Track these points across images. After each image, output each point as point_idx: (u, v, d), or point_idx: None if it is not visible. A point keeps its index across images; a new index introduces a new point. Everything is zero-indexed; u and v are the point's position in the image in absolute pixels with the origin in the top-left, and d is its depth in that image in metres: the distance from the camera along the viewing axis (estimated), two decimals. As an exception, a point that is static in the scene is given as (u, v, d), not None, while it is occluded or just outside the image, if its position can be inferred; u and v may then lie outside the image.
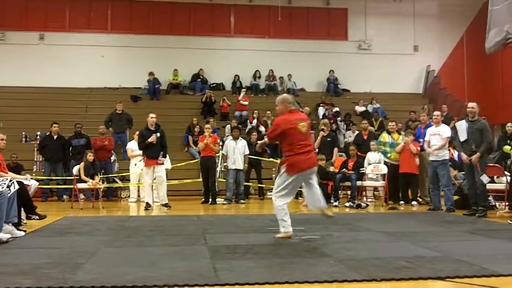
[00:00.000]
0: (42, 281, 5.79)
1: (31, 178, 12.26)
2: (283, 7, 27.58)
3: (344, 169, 16.67)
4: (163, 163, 15.68)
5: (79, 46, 27.06)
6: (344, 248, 7.98)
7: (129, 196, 18.84)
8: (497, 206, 14.91)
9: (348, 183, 16.56)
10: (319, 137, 17.74)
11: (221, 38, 28.38)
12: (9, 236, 8.83)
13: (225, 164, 18.03)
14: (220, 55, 27.89)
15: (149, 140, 15.26)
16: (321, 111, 25.49)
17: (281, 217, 8.96)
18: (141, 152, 17.89)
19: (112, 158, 19.56)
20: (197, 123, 22.35)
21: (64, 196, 18.45)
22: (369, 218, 13.44)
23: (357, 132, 20.84)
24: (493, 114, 22.72)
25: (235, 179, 17.43)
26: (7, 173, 10.94)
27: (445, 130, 14.28)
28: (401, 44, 29.22)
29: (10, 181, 9.23)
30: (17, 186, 9.43)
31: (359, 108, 26.51)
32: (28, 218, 11.17)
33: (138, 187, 18.49)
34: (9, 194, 8.98)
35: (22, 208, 10.61)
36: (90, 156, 16.47)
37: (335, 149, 17.87)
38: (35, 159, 20.30)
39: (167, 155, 16.46)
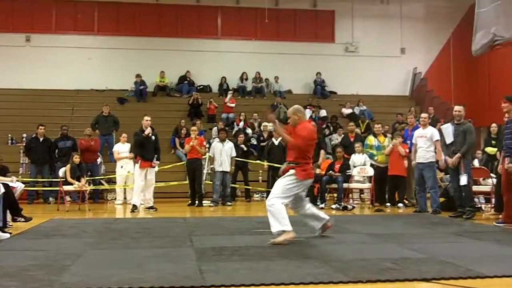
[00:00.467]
0: (28, 283, 5.77)
1: (17, 180, 12.25)
2: (270, 9, 27.60)
3: (330, 171, 16.70)
4: (155, 167, 15.72)
5: (65, 48, 26.98)
6: (330, 249, 8.00)
7: (115, 198, 18.79)
8: (483, 208, 15.00)
9: (334, 185, 16.60)
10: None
11: (208, 40, 28.36)
12: (-6, 238, 8.80)
13: (211, 166, 18.03)
14: (207, 57, 27.86)
15: (146, 132, 15.37)
16: (307, 113, 25.48)
17: (282, 215, 8.82)
18: (127, 154, 17.92)
19: (99, 160, 19.52)
20: (184, 125, 22.33)
21: (50, 198, 18.39)
22: (355, 220, 13.48)
23: (343, 134, 20.91)
24: (480, 116, 22.83)
25: (222, 181, 17.42)
26: (-8, 175, 10.91)
27: (432, 133, 14.32)
28: (388, 47, 29.28)
29: (-4, 183, 9.19)
30: (2, 189, 9.40)
31: (346, 110, 26.55)
32: (13, 220, 11.15)
33: (125, 189, 18.46)
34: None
35: (8, 210, 10.58)
36: (76, 158, 16.41)
37: (322, 151, 17.92)
38: (21, 161, 20.20)
39: (159, 159, 16.47)
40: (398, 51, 29.72)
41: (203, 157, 17.63)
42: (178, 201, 18.50)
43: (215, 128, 22.59)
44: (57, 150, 18.61)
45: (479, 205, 14.93)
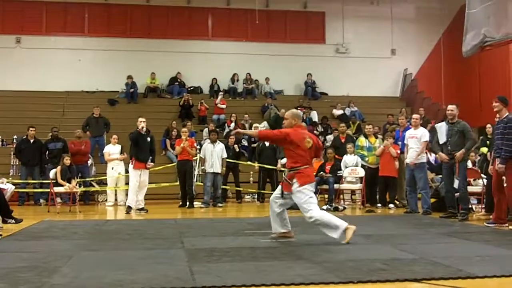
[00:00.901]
0: (19, 285, 5.76)
1: (8, 182, 12.22)
2: (260, 10, 27.57)
3: (321, 172, 16.72)
4: (149, 168, 15.71)
5: (56, 50, 26.93)
6: (321, 250, 8.00)
7: (106, 200, 18.75)
8: (474, 209, 15.04)
9: (325, 186, 16.63)
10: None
11: (198, 42, 28.34)
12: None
13: (202, 167, 18.02)
14: (197, 58, 27.83)
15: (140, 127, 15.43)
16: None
17: (330, 219, 8.78)
18: (118, 156, 17.89)
19: (89, 162, 19.48)
20: (175, 126, 22.31)
21: (41, 200, 18.36)
22: (347, 221, 13.44)
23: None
24: (470, 117, 22.79)
25: (213, 183, 17.41)
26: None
27: (423, 134, 14.36)
28: (379, 48, 29.31)
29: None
30: (-7, 191, 9.38)
31: (337, 112, 26.59)
32: (4, 222, 11.09)
33: (115, 190, 18.43)
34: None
35: (-2, 212, 10.56)
36: (67, 160, 16.37)
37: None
38: (12, 163, 20.18)
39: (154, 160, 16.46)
40: (388, 52, 29.76)
41: (194, 158, 17.63)
42: (169, 202, 18.49)
43: (206, 130, 22.58)
44: (47, 152, 18.57)
45: (470, 206, 14.97)
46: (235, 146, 19.21)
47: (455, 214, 12.79)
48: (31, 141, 18.64)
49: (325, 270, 6.43)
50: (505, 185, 10.98)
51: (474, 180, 15.08)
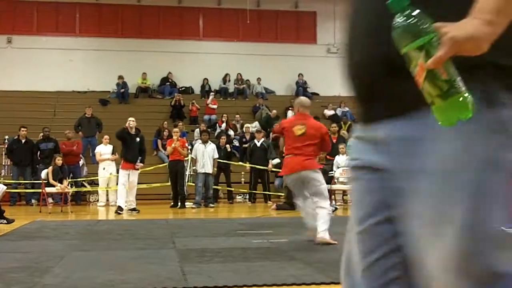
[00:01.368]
0: (11, 285, 5.77)
1: (-1, 182, 12.20)
2: (251, 10, 27.60)
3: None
4: (138, 169, 15.67)
5: (47, 50, 26.87)
6: (313, 251, 8.04)
7: (98, 200, 18.74)
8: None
9: (317, 186, 16.61)
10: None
11: (190, 42, 28.32)
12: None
13: (194, 168, 18.03)
14: (189, 58, 27.81)
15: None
16: (290, 114, 25.51)
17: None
18: (110, 156, 17.87)
19: (81, 162, 19.46)
20: (166, 126, 22.31)
21: (33, 200, 18.33)
22: (338, 221, 13.43)
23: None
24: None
25: (204, 183, 17.41)
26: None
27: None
28: (370, 48, 29.33)
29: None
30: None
31: (328, 112, 26.61)
32: (-5, 222, 11.11)
33: (107, 191, 18.42)
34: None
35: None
36: (58, 160, 16.38)
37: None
38: (3, 163, 20.13)
39: (144, 161, 16.43)
40: (380, 52, 29.79)
41: (185, 158, 17.64)
42: (161, 202, 18.48)
43: (197, 130, 22.56)
44: (39, 152, 18.55)
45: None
46: (227, 146, 19.22)
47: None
48: (23, 141, 18.62)
49: (317, 271, 6.46)
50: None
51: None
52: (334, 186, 17.07)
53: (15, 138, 18.96)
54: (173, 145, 16.88)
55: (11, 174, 18.84)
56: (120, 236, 9.86)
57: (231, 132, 23.18)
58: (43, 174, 16.22)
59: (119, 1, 27.85)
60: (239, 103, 27.29)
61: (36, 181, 17.69)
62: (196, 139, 20.64)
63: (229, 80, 28.03)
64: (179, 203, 16.95)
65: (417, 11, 1.46)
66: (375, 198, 1.79)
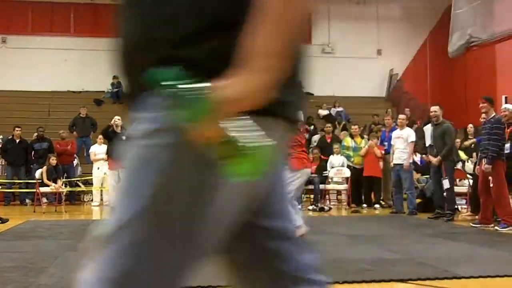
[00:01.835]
0: (5, 284, 5.74)
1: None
2: (246, 10, 27.57)
3: (308, 173, 16.73)
4: None
5: (42, 50, 26.80)
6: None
7: (92, 200, 18.70)
8: (459, 209, 15.10)
9: (311, 187, 16.63)
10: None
11: (185, 41, 28.27)
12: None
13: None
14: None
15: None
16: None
17: None
18: (104, 156, 17.80)
19: (75, 162, 19.43)
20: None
21: (27, 200, 18.29)
22: (332, 221, 13.53)
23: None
24: (456, 117, 22.87)
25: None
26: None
27: (409, 134, 14.39)
28: (365, 48, 29.33)
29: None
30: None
31: (323, 112, 26.61)
32: (-11, 222, 11.09)
33: (101, 190, 18.38)
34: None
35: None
36: (53, 160, 16.36)
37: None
38: (-3, 163, 20.13)
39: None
40: (374, 52, 29.81)
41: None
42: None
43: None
44: (33, 152, 18.52)
45: (456, 206, 15.03)
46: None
47: (443, 215, 12.83)
48: (17, 141, 18.58)
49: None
50: (491, 185, 11.03)
51: (460, 180, 15.16)
52: (328, 186, 17.07)
53: (9, 138, 18.93)
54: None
55: (5, 174, 18.81)
56: (114, 236, 9.81)
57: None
58: (37, 173, 16.19)
59: (114, 1, 27.74)
60: (234, 103, 27.25)
61: (30, 180, 17.65)
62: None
63: (224, 80, 27.98)
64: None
65: (184, 78, 1.39)
66: None
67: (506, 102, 15.77)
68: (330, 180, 17.11)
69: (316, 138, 22.09)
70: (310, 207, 15.97)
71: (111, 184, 15.36)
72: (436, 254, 7.77)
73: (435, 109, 13.06)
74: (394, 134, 14.88)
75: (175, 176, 1.51)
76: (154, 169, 1.52)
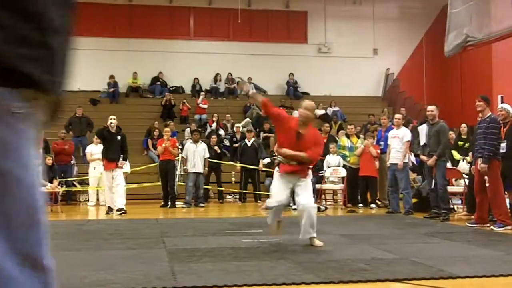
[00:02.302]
0: (-3, 286, 5.70)
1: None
2: (242, 10, 27.57)
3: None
4: (122, 167, 15.43)
5: (37, 49, 26.72)
6: (302, 250, 8.01)
7: (88, 200, 18.68)
8: (455, 209, 15.12)
9: (307, 186, 16.60)
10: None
11: (180, 41, 28.29)
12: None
13: (184, 167, 17.96)
14: (179, 58, 27.75)
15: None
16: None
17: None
18: (100, 156, 17.74)
19: (72, 162, 19.40)
20: (157, 126, 22.29)
21: (22, 200, 18.21)
22: (328, 221, 13.50)
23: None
24: (452, 117, 22.97)
25: (195, 183, 17.35)
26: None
27: (405, 134, 14.39)
28: (361, 47, 29.35)
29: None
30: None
31: (319, 111, 26.56)
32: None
33: (97, 190, 18.34)
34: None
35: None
36: (48, 160, 16.32)
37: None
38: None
39: (127, 159, 16.28)
40: (370, 52, 29.82)
41: (176, 158, 17.59)
42: (151, 202, 18.41)
43: (188, 129, 22.54)
44: (28, 152, 18.47)
45: (452, 206, 15.05)
46: (216, 148, 19.10)
47: (438, 214, 12.83)
48: (12, 141, 18.50)
49: (307, 270, 6.43)
50: (487, 185, 11.03)
51: (455, 180, 15.16)
52: (324, 186, 17.06)
53: (4, 138, 18.84)
54: (163, 144, 16.85)
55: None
56: (110, 236, 9.81)
57: (221, 132, 23.15)
58: (33, 173, 16.13)
59: (110, 1, 27.77)
60: (230, 103, 27.28)
61: (26, 180, 17.56)
62: (187, 139, 20.62)
63: (220, 80, 28.01)
64: (170, 203, 16.91)
65: None
66: None
67: (502, 102, 15.74)
68: (326, 179, 17.10)
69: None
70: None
71: (106, 186, 15.26)
72: (432, 253, 7.77)
73: (432, 108, 13.09)
74: (390, 133, 14.89)
75: None
76: None
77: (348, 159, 17.06)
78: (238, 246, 8.38)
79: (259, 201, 18.17)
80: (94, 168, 18.28)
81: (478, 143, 11.33)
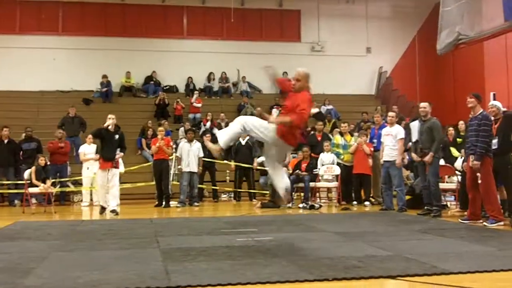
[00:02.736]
0: (-8, 286, 5.73)
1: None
2: (236, 8, 27.56)
3: (297, 170, 16.75)
4: (118, 164, 15.25)
5: (30, 49, 26.67)
6: (296, 248, 8.02)
7: (81, 200, 18.64)
8: (448, 205, 15.17)
9: (301, 184, 16.66)
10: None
11: (174, 40, 28.25)
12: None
13: (179, 166, 17.95)
14: (173, 57, 27.74)
15: (106, 124, 14.74)
16: (274, 113, 25.50)
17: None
18: (93, 156, 17.71)
19: (67, 161, 19.36)
20: (150, 125, 22.26)
21: (16, 201, 18.17)
22: (322, 218, 13.53)
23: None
24: (445, 114, 23.00)
25: (189, 182, 17.33)
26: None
27: (398, 131, 14.41)
28: (354, 46, 29.39)
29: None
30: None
31: (313, 110, 26.54)
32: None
33: (91, 191, 18.31)
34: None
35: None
36: (41, 160, 16.28)
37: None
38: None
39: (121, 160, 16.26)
40: (364, 50, 29.85)
41: (170, 157, 17.58)
42: (145, 202, 18.39)
43: (182, 129, 22.53)
44: (21, 152, 18.45)
45: (445, 203, 15.09)
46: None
47: (431, 211, 12.87)
48: (5, 141, 18.47)
49: (301, 268, 6.44)
50: (479, 181, 11.07)
51: (448, 177, 15.20)
52: (318, 184, 17.09)
53: (-3, 138, 18.83)
54: (157, 144, 16.83)
55: (-6, 175, 18.72)
56: (103, 236, 9.78)
57: (216, 131, 23.10)
58: (26, 174, 16.11)
59: (103, 0, 27.72)
60: (224, 102, 27.28)
61: (19, 181, 17.56)
62: (181, 138, 20.61)
63: (214, 79, 28.00)
64: (164, 202, 16.89)
65: None
66: None
67: (494, 99, 15.79)
68: (320, 177, 17.13)
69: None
70: (301, 205, 15.97)
71: (99, 184, 15.09)
72: (425, 250, 7.78)
73: (424, 105, 13.13)
74: (384, 131, 14.92)
75: None
76: None
77: (342, 157, 17.08)
78: (232, 245, 8.39)
79: (253, 200, 18.19)
80: (88, 168, 18.25)
81: (470, 140, 11.36)
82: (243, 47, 28.35)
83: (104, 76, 26.19)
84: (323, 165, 17.15)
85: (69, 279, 6.01)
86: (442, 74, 28.31)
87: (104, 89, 26.15)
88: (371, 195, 16.93)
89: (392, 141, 14.34)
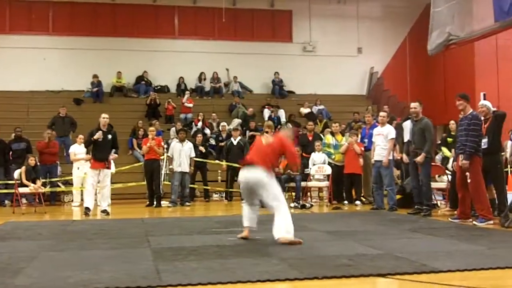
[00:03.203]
0: (-19, 286, 5.72)
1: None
2: (227, 8, 27.52)
3: (289, 170, 16.77)
4: (109, 167, 15.16)
5: (20, 49, 26.56)
6: (286, 247, 8.02)
7: (72, 200, 18.61)
8: (439, 204, 15.22)
9: (293, 184, 16.69)
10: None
11: (165, 40, 28.21)
12: None
13: (170, 166, 17.94)
14: (164, 57, 27.71)
15: (95, 137, 14.51)
16: (266, 113, 25.57)
17: None
18: (84, 156, 17.66)
19: (57, 161, 19.32)
20: (142, 126, 22.23)
21: (6, 201, 18.12)
22: (314, 218, 13.55)
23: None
24: (436, 115, 23.01)
25: (181, 182, 17.32)
26: None
27: (389, 131, 14.43)
28: (345, 46, 29.41)
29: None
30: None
31: (304, 110, 26.66)
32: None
33: (81, 191, 18.26)
34: None
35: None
36: (31, 160, 16.25)
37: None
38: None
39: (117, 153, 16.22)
40: (355, 50, 29.88)
41: (161, 157, 17.57)
42: (136, 202, 18.38)
43: (173, 129, 22.51)
44: (11, 152, 18.40)
45: (435, 202, 15.14)
46: (201, 148, 19.02)
47: (422, 210, 12.91)
48: (-5, 141, 18.45)
49: (291, 267, 6.47)
50: (469, 181, 11.10)
51: (438, 176, 15.25)
52: (310, 183, 17.12)
53: (-13, 138, 18.77)
54: (148, 144, 16.81)
55: (-16, 175, 18.65)
56: (94, 236, 9.78)
57: (207, 131, 23.15)
58: (16, 174, 16.08)
59: (93, 0, 27.68)
60: (215, 102, 27.27)
61: (9, 181, 17.50)
62: (172, 138, 20.59)
63: (205, 79, 27.95)
64: (155, 202, 16.88)
65: None
66: None
67: (484, 99, 15.85)
68: (311, 177, 17.16)
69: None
70: (292, 205, 15.98)
71: (90, 184, 14.96)
72: (415, 249, 7.82)
73: (415, 105, 13.16)
74: (375, 131, 14.94)
75: None
76: None
77: (333, 156, 17.12)
78: (223, 244, 8.41)
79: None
80: (78, 168, 18.22)
81: (459, 139, 11.39)
82: (235, 47, 28.33)
83: (95, 76, 26.14)
84: (314, 164, 17.19)
85: (59, 278, 6.00)
86: (433, 75, 28.37)
87: (95, 89, 26.10)
88: (362, 194, 16.98)
89: (383, 141, 14.37)
